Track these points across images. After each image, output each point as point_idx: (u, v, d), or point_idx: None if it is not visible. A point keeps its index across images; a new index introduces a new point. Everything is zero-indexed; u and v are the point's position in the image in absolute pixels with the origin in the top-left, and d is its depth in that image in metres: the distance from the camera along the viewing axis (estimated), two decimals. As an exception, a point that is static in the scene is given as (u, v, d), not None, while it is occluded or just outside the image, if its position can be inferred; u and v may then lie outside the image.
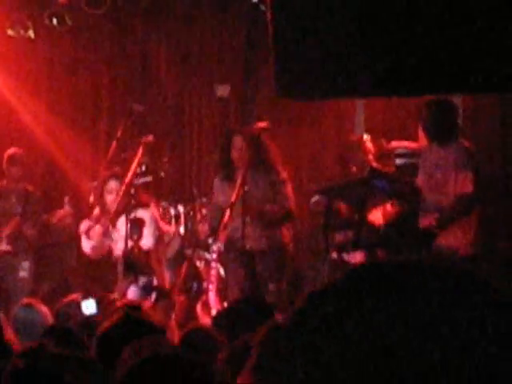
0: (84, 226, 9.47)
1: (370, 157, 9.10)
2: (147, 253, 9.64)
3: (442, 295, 1.16)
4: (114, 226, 9.30)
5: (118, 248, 9.25)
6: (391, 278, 1.20)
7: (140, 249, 9.50)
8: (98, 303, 8.58)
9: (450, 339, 1.13)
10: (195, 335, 4.82)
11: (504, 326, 1.17)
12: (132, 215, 9.19)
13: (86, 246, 9.47)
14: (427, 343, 1.13)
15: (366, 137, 9.44)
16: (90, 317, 6.50)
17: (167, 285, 9.55)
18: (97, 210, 9.43)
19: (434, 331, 1.12)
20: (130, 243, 9.22)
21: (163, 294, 9.29)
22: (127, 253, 9.24)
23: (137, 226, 9.37)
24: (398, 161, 9.46)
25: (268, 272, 8.91)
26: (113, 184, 9.26)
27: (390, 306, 1.15)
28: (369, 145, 9.22)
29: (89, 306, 8.57)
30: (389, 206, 8.75)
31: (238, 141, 8.81)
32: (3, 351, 4.26)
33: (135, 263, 9.48)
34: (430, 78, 6.78)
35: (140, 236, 9.33)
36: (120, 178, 9.20)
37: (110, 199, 9.15)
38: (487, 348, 1.12)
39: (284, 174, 8.86)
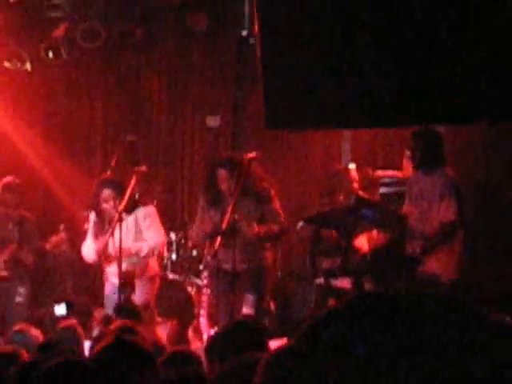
0: (89, 227, 9.49)
1: (355, 185, 9.18)
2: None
3: (429, 321, 1.32)
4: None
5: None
6: (384, 308, 1.36)
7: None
8: (68, 307, 9.17)
9: (436, 358, 1.30)
10: (178, 357, 4.91)
11: (481, 345, 1.35)
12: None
13: (90, 249, 9.28)
14: (417, 360, 1.29)
15: (351, 166, 9.54)
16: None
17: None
18: (92, 216, 9.37)
19: (423, 352, 1.29)
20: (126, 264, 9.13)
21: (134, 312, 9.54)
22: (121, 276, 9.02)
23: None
24: (383, 189, 9.61)
25: (249, 285, 8.91)
26: (107, 192, 9.18)
27: (386, 333, 1.32)
28: (354, 174, 9.30)
29: (60, 310, 8.98)
30: (375, 233, 8.80)
31: (222, 173, 8.92)
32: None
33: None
34: (414, 109, 7.34)
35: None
36: (112, 184, 9.21)
37: (106, 207, 9.12)
38: (470, 365, 1.30)
39: (272, 192, 8.96)
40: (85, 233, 9.56)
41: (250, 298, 8.93)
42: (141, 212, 9.34)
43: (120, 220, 8.80)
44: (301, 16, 7.42)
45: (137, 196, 9.55)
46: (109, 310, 8.79)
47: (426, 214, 8.45)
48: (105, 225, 9.32)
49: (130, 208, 9.16)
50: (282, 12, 7.42)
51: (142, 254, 9.24)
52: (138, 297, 9.02)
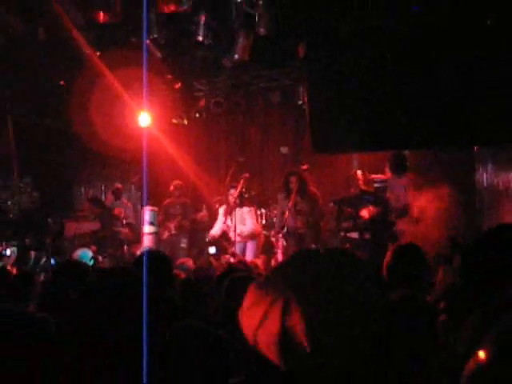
0: (223, 210, 11.08)
1: (360, 183, 10.26)
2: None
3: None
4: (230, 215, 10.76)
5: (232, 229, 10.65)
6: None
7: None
8: (217, 249, 10.22)
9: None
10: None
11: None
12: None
13: (220, 223, 10.98)
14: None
15: (358, 172, 10.58)
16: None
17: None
18: (224, 207, 10.96)
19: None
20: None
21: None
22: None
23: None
24: (376, 184, 10.59)
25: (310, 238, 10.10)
26: (232, 191, 10.79)
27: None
28: (360, 176, 10.38)
29: (212, 250, 10.16)
30: (371, 208, 9.95)
31: (292, 178, 10.22)
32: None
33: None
34: (404, 138, 8.94)
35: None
36: (235, 186, 10.65)
37: (231, 199, 10.73)
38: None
39: (318, 195, 10.37)
40: (216, 211, 11.34)
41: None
42: (246, 209, 10.74)
43: (236, 200, 10.43)
44: (331, 89, 9.13)
45: (246, 195, 10.87)
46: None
47: (397, 198, 9.55)
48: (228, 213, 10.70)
49: (240, 203, 10.62)
50: (319, 88, 9.36)
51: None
52: (249, 250, 10.65)
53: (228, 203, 10.72)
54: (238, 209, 10.64)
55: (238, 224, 10.62)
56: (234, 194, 10.67)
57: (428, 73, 8.48)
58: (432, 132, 8.65)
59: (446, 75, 8.33)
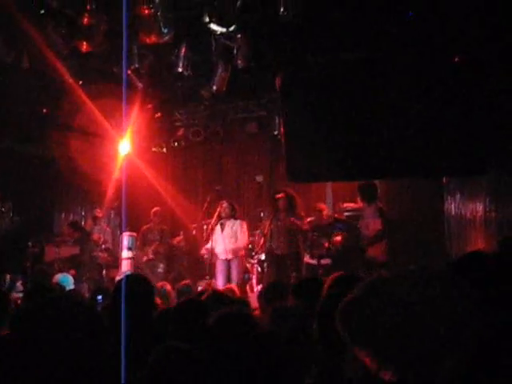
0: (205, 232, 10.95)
1: (324, 213, 10.47)
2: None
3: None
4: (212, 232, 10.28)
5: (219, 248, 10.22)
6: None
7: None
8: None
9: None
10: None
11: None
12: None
13: (206, 248, 10.60)
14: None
15: (322, 205, 10.87)
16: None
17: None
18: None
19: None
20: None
21: None
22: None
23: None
24: (346, 213, 10.79)
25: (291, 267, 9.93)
26: (224, 204, 10.49)
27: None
28: (323, 207, 10.70)
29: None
30: (344, 235, 10.14)
31: (280, 196, 10.16)
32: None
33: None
34: (375, 169, 8.85)
35: None
36: (227, 201, 10.52)
37: (212, 222, 10.46)
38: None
39: (304, 219, 10.19)
40: (193, 237, 11.66)
41: (294, 275, 9.69)
42: (238, 221, 10.47)
43: (215, 222, 10.12)
44: (308, 121, 9.01)
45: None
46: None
47: (367, 226, 9.60)
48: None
49: (232, 214, 10.28)
50: (296, 119, 9.15)
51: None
52: (234, 269, 10.19)
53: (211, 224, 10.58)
54: (228, 222, 10.46)
55: (229, 238, 10.43)
56: (211, 221, 10.60)
57: (400, 106, 8.52)
58: (403, 163, 8.67)
59: (417, 109, 8.40)
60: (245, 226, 10.53)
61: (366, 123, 8.70)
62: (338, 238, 10.12)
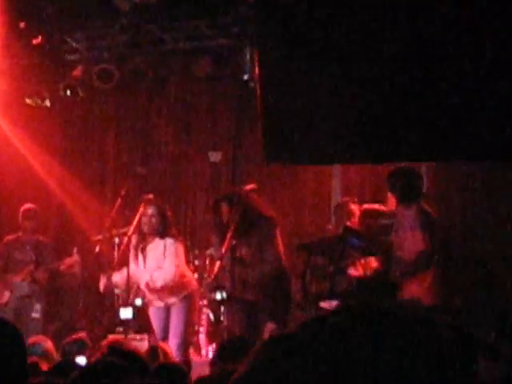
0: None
1: (354, 220, 9.11)
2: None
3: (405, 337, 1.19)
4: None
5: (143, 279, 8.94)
6: (369, 320, 1.22)
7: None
8: (134, 311, 8.77)
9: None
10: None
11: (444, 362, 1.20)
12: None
13: (117, 277, 9.02)
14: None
15: (352, 206, 9.37)
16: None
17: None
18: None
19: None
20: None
21: None
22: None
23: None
24: (384, 221, 9.30)
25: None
26: (149, 210, 8.96)
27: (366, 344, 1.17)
28: (354, 211, 9.24)
29: (126, 313, 8.56)
30: (373, 261, 8.72)
31: (224, 207, 8.68)
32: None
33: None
34: (398, 148, 8.08)
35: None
36: (154, 205, 9.00)
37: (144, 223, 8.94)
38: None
39: (275, 229, 8.69)
40: (96, 256, 9.43)
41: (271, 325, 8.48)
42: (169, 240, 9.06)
43: (129, 240, 8.70)
44: (299, 61, 7.96)
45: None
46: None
47: (402, 243, 8.41)
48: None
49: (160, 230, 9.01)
50: (281, 56, 8.07)
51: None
52: (176, 320, 8.93)
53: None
54: (153, 242, 8.70)
55: (152, 268, 8.75)
56: (128, 230, 8.91)
57: (452, 55, 7.45)
58: (456, 139, 7.89)
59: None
60: (180, 250, 8.92)
61: (397, 78, 7.80)
62: (361, 265, 8.94)
